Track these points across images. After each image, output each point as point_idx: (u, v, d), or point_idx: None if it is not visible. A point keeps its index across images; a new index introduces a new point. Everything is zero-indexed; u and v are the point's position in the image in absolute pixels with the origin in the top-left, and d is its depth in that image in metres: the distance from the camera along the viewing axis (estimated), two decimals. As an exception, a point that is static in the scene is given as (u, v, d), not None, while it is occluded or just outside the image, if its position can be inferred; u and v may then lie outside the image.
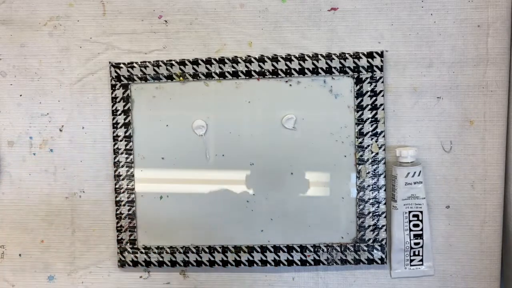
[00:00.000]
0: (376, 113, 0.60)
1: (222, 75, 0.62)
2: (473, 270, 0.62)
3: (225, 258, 0.63)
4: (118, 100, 0.63)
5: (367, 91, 0.60)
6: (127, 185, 0.64)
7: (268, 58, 0.61)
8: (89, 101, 0.64)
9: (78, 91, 0.64)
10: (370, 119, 0.60)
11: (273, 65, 0.61)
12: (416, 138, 0.61)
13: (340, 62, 0.60)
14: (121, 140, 0.63)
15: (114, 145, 0.63)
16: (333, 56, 0.60)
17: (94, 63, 0.64)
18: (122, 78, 0.63)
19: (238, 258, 0.63)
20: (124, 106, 0.63)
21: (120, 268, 0.65)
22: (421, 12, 0.60)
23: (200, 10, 0.62)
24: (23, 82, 0.65)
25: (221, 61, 0.62)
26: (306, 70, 0.61)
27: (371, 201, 0.61)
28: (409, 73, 0.61)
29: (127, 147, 0.63)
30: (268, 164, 0.62)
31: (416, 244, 0.61)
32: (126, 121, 0.63)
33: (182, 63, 0.62)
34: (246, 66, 0.61)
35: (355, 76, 0.60)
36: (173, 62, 0.62)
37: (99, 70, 0.64)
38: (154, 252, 0.64)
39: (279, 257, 0.63)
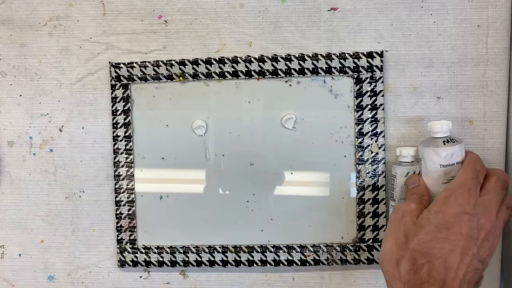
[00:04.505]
0: (376, 113, 0.60)
1: (222, 75, 0.62)
2: (473, 270, 0.62)
3: (225, 258, 0.63)
4: (118, 100, 0.63)
5: (367, 91, 0.60)
6: (127, 185, 0.64)
7: (268, 58, 0.61)
8: (89, 101, 0.64)
9: (78, 91, 0.64)
10: (370, 119, 0.60)
11: (273, 65, 0.61)
12: (416, 138, 0.61)
13: (340, 62, 0.60)
14: (121, 140, 0.63)
15: (114, 145, 0.64)
16: (333, 56, 0.60)
17: (94, 63, 0.64)
18: (122, 78, 0.63)
19: (238, 258, 0.63)
20: (124, 106, 0.63)
21: (120, 268, 0.65)
22: (421, 12, 0.60)
23: (200, 10, 0.62)
24: (23, 82, 0.65)
25: (221, 61, 0.62)
26: (306, 70, 0.61)
27: (371, 201, 0.61)
28: (409, 73, 0.61)
29: (127, 147, 0.63)
30: (268, 164, 0.62)
31: (416, 244, 0.61)
32: (126, 121, 0.63)
33: (182, 63, 0.62)
34: (246, 66, 0.61)
35: (355, 76, 0.61)
36: (173, 62, 0.62)
37: (99, 70, 0.64)
38: (154, 252, 0.64)
39: (279, 257, 0.63)
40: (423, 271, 0.48)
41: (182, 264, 0.64)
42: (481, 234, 0.48)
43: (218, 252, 0.63)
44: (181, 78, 0.62)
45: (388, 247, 0.51)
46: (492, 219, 0.49)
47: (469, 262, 0.47)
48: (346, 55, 0.60)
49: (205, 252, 0.63)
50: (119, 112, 0.63)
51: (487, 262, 0.49)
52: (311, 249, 0.62)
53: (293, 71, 0.61)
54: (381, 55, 0.60)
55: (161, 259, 0.64)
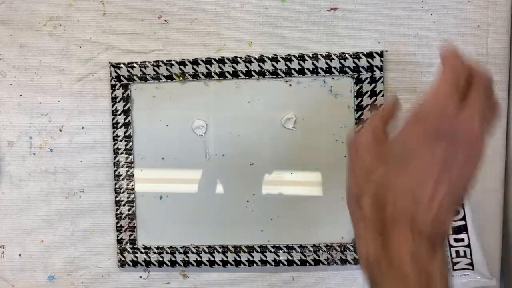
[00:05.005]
0: (376, 113, 0.60)
1: (222, 75, 0.62)
2: (473, 270, 0.62)
3: (225, 258, 0.63)
4: (118, 100, 0.63)
5: (367, 91, 0.60)
6: (127, 185, 0.64)
7: (268, 58, 0.61)
8: (89, 101, 0.64)
9: (78, 91, 0.64)
10: (370, 119, 0.60)
11: (273, 65, 0.61)
12: (416, 138, 0.61)
13: (340, 62, 0.60)
14: (121, 140, 0.63)
15: (114, 145, 0.64)
16: (333, 56, 0.60)
17: (94, 63, 0.64)
18: (122, 78, 0.63)
19: (238, 258, 0.63)
20: (124, 106, 0.63)
21: (120, 268, 0.65)
22: (420, 12, 0.60)
23: (200, 10, 0.62)
24: (23, 82, 0.65)
25: (221, 61, 0.62)
26: (306, 70, 0.61)
27: (371, 201, 0.61)
28: (409, 73, 0.61)
29: (127, 147, 0.63)
30: (268, 164, 0.62)
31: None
32: (126, 121, 0.63)
33: (182, 63, 0.62)
34: (246, 66, 0.61)
35: (355, 76, 0.60)
36: (173, 62, 0.62)
37: (99, 70, 0.64)
38: (154, 252, 0.64)
39: (279, 257, 0.63)
40: (388, 206, 0.40)
41: (182, 264, 0.64)
42: (460, 157, 0.39)
43: (218, 252, 0.63)
44: (181, 78, 0.62)
45: (348, 185, 0.45)
46: (473, 137, 0.39)
47: (445, 191, 0.39)
48: (346, 55, 0.60)
49: (205, 252, 0.63)
50: (119, 112, 0.63)
51: (467, 187, 0.40)
52: (311, 249, 0.62)
53: (293, 71, 0.61)
54: (381, 55, 0.60)
55: (161, 259, 0.64)
